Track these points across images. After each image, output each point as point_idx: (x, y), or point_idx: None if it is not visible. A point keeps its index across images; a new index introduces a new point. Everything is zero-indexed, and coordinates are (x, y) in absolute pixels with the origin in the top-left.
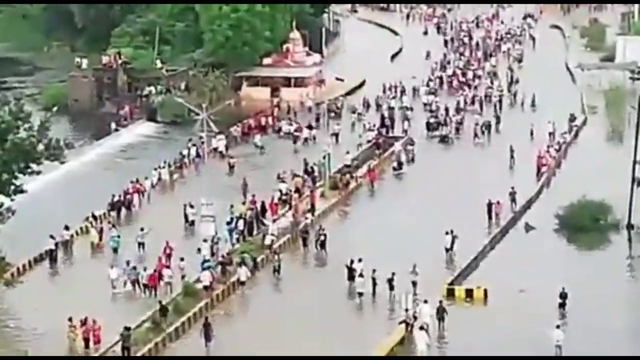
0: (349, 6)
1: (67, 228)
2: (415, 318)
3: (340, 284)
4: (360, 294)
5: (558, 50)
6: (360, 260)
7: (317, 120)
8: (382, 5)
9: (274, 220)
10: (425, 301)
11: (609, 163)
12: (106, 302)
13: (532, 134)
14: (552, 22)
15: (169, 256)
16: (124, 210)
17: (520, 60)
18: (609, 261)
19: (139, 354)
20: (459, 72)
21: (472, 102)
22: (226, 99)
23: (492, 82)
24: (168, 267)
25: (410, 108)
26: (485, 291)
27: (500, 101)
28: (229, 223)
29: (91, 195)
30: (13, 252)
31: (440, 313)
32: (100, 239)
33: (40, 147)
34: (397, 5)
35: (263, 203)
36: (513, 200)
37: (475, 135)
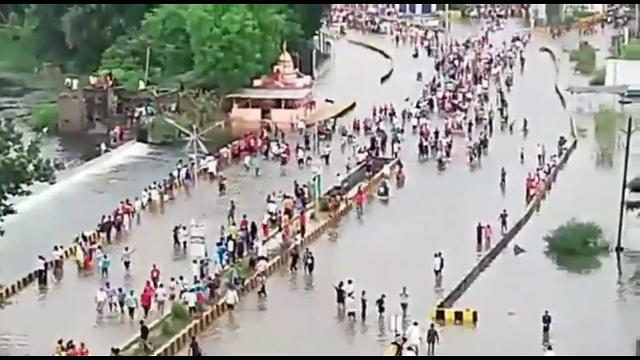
0: (338, 28)
1: (56, 248)
2: (405, 340)
3: (329, 306)
4: (351, 314)
5: (548, 74)
6: (350, 281)
7: (307, 142)
8: (372, 27)
9: (264, 242)
10: (415, 323)
11: (598, 186)
12: (94, 324)
13: (522, 156)
14: (542, 45)
15: (155, 279)
16: (114, 231)
17: (509, 84)
18: (598, 284)
19: None
20: (448, 94)
21: (460, 126)
22: (216, 121)
23: (482, 105)
24: (154, 291)
25: (400, 130)
26: (475, 314)
27: (490, 123)
28: (219, 244)
29: (81, 216)
30: (2, 272)
31: (431, 336)
32: (90, 259)
33: (31, 167)
34: (387, 27)
35: (253, 224)
36: (504, 222)
37: (471, 158)
